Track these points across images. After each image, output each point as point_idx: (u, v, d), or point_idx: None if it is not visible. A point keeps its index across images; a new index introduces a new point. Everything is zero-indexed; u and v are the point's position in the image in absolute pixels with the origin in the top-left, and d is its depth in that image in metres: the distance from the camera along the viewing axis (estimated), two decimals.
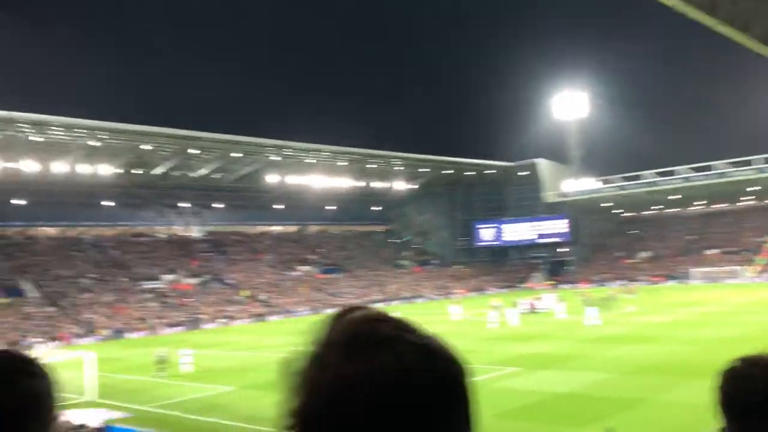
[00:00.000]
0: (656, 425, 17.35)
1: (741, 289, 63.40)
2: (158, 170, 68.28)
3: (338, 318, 0.88)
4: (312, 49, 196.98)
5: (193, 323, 60.10)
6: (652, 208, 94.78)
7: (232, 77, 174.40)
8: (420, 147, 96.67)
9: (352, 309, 0.90)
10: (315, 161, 74.93)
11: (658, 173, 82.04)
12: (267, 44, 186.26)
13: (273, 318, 64.72)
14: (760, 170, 73.54)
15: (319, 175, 77.47)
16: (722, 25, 16.54)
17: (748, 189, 79.44)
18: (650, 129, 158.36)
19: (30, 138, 53.91)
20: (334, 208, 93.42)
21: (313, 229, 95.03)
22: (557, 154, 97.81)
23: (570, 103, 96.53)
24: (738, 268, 75.30)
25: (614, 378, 23.50)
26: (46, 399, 1.08)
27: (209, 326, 60.01)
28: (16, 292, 58.71)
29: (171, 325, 58.67)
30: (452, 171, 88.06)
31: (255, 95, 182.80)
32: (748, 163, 74.82)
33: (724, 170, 76.40)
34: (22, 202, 66.46)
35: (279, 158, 68.75)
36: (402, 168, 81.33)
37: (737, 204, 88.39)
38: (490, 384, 23.59)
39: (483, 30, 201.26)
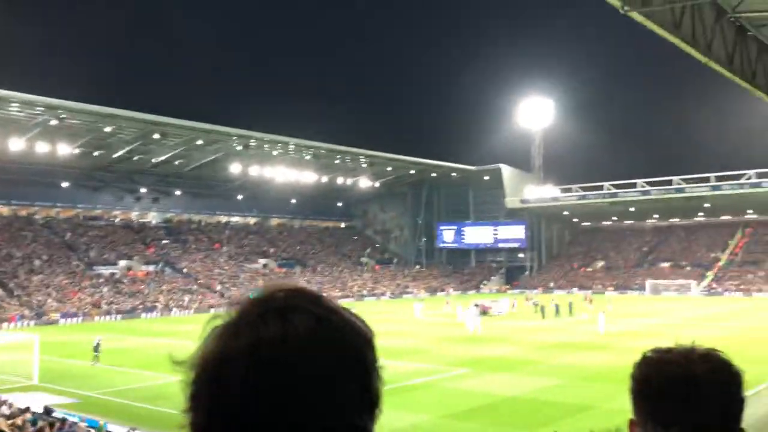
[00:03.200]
0: None
1: (689, 302, 65.10)
2: (119, 153, 66.86)
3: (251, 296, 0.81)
4: (282, 46, 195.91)
5: (146, 310, 59.14)
6: (610, 218, 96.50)
7: (201, 66, 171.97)
8: (386, 146, 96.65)
9: (269, 286, 0.82)
10: (280, 154, 74.35)
11: (617, 185, 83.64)
12: (230, 37, 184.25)
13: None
14: (715, 187, 75.63)
15: (284, 168, 76.91)
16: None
17: (705, 205, 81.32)
18: (611, 140, 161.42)
19: None
20: (297, 201, 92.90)
21: (274, 221, 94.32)
22: (520, 160, 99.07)
23: (535, 111, 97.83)
24: (690, 281, 77.35)
25: (564, 384, 23.86)
26: None
27: (162, 315, 59.08)
28: None
29: (122, 312, 57.60)
30: (416, 171, 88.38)
31: (220, 86, 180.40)
32: (705, 180, 76.80)
33: (681, 185, 78.26)
34: None
35: (243, 148, 68.03)
36: (367, 166, 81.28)
37: (692, 219, 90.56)
38: (439, 384, 23.74)
39: (450, 31, 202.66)
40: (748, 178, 73.37)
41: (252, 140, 68.09)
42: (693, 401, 1.23)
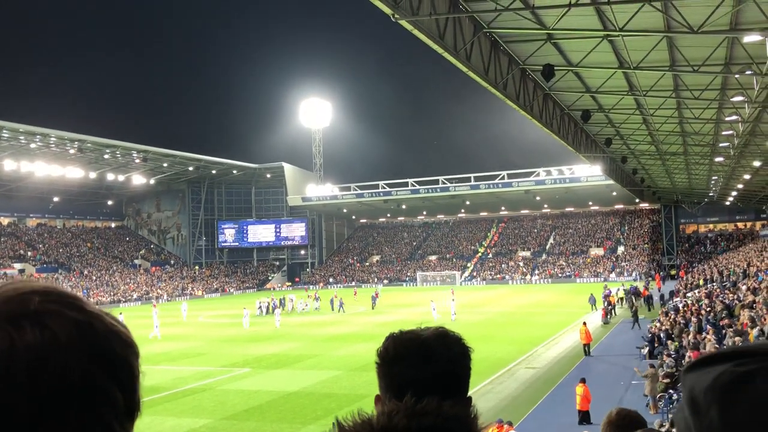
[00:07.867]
0: None
1: (455, 291, 71.21)
2: None
3: None
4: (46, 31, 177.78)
5: None
6: (385, 215, 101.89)
7: None
8: (166, 142, 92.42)
9: (4, 284, 0.74)
10: (40, 147, 67.20)
11: (391, 184, 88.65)
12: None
13: None
14: (474, 186, 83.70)
15: (44, 163, 69.69)
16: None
17: (466, 202, 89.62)
18: (385, 142, 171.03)
19: None
20: (60, 200, 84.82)
21: (32, 222, 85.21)
22: (302, 159, 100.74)
23: (315, 111, 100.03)
24: (454, 272, 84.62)
25: (342, 375, 24.95)
26: None
27: None
28: None
29: None
30: (195, 168, 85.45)
31: None
32: (466, 180, 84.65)
33: (446, 185, 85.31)
34: None
35: None
36: (140, 161, 76.72)
37: (456, 215, 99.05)
38: (218, 386, 23.55)
39: (235, 31, 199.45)
40: (502, 179, 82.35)
41: (4, 131, 60.85)
42: (424, 359, 1.45)
